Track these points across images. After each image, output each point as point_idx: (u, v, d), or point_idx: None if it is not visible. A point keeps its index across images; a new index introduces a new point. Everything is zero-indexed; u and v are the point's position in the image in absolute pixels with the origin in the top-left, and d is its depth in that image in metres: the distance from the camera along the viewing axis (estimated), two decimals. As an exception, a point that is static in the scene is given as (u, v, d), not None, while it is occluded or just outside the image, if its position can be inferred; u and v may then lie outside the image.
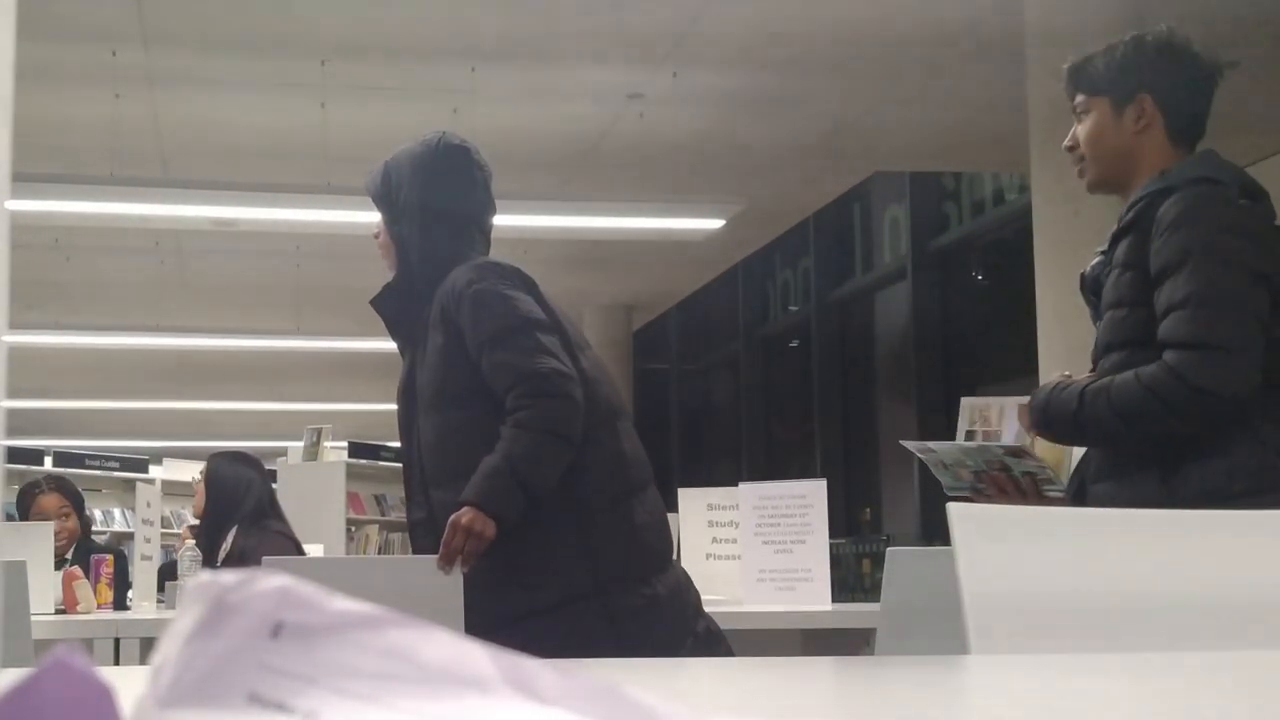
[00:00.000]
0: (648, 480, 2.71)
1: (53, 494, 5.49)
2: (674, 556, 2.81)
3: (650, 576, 2.62)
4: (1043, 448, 2.49)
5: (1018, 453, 2.47)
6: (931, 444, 2.60)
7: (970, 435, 2.59)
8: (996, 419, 2.56)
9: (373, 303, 2.83)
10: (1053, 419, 2.36)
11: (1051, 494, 2.46)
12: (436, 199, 2.75)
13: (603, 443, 2.63)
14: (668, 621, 2.63)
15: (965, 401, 2.63)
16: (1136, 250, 2.33)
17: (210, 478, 4.96)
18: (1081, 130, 2.46)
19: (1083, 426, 2.31)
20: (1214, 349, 2.20)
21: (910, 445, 2.66)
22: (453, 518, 2.54)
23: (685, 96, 7.35)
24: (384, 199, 2.80)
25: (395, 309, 2.80)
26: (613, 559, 2.59)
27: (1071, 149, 2.49)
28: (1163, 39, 2.45)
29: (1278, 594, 1.36)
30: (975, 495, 2.52)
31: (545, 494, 2.54)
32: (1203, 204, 2.30)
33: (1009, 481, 2.46)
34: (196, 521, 5.01)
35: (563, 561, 2.56)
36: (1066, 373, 2.44)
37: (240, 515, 4.90)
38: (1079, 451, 2.47)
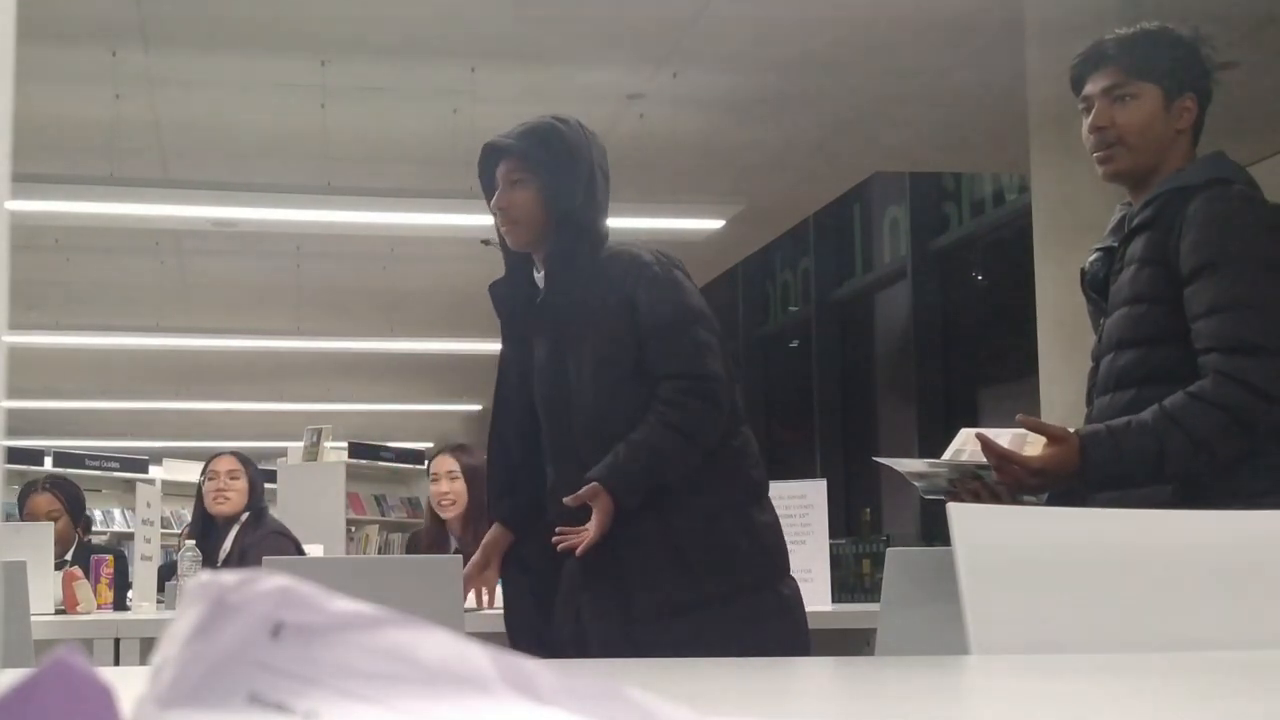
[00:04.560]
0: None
1: (45, 494, 5.50)
2: None
3: (789, 571, 2.69)
4: None
5: (987, 468, 2.43)
6: (903, 460, 2.57)
7: (958, 454, 2.56)
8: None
9: (493, 288, 2.74)
10: (1125, 471, 2.22)
11: (1027, 499, 2.44)
12: (598, 184, 2.70)
13: (749, 438, 2.68)
14: (805, 616, 2.69)
15: (964, 431, 2.60)
16: (1157, 247, 2.30)
17: (251, 470, 5.07)
18: (1124, 114, 2.36)
19: (1163, 465, 2.20)
20: (1269, 352, 2.17)
21: (884, 461, 2.63)
22: (601, 512, 2.51)
23: (685, 96, 7.35)
24: (551, 173, 2.65)
25: (550, 288, 2.67)
26: (775, 548, 2.64)
27: (1103, 129, 2.38)
28: (1194, 40, 2.42)
29: (1277, 593, 1.36)
30: (950, 500, 2.48)
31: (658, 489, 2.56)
32: (1238, 204, 2.27)
33: (984, 487, 2.43)
34: (231, 512, 5.02)
35: (734, 550, 2.58)
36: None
37: (256, 513, 5.01)
38: None
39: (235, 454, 5.13)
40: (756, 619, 2.56)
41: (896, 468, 2.55)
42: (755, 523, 2.61)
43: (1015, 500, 2.40)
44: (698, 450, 2.56)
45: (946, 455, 2.51)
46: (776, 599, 2.61)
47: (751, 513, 2.62)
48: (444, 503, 4.65)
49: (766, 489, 2.69)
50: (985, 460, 2.37)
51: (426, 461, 4.90)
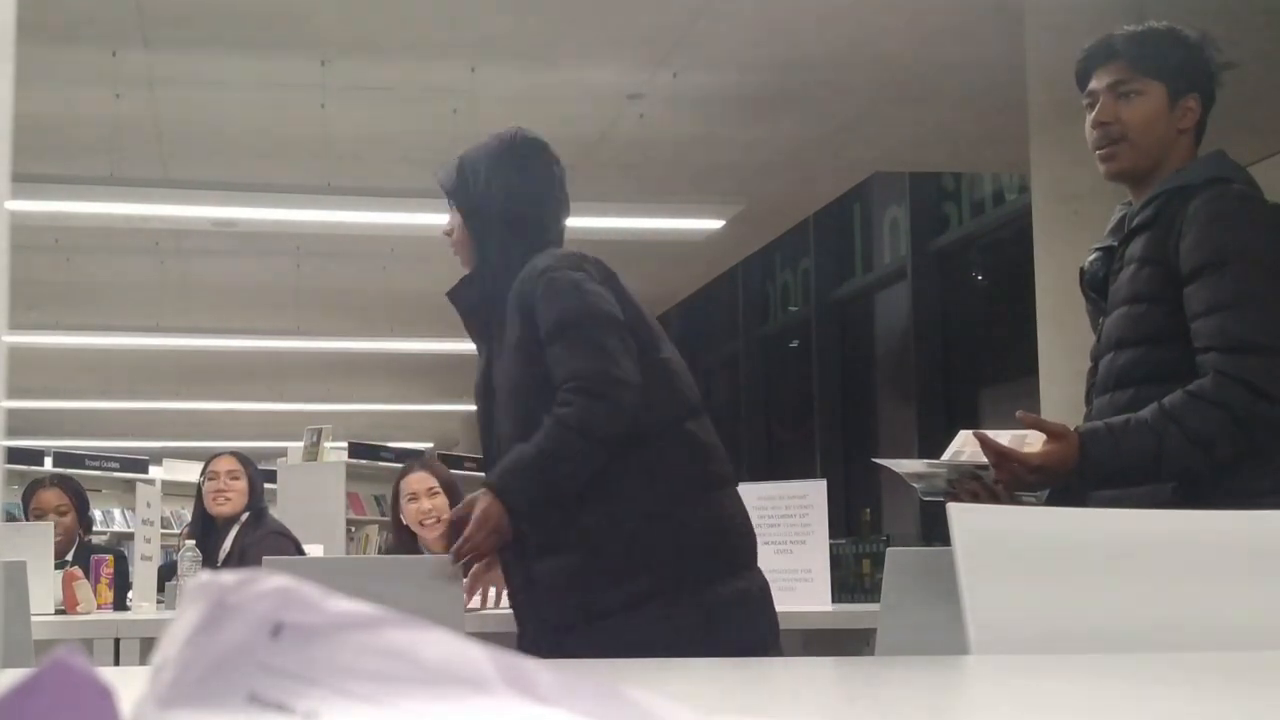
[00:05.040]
0: (730, 477, 2.66)
1: (53, 489, 5.50)
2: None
3: (740, 570, 2.59)
4: None
5: (986, 468, 2.43)
6: (902, 461, 2.56)
7: (957, 455, 2.54)
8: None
9: (450, 295, 2.79)
10: (1123, 468, 2.22)
11: (1026, 499, 2.43)
12: (516, 194, 2.71)
13: (692, 434, 2.60)
14: (758, 619, 2.58)
15: (963, 433, 2.58)
16: (1157, 247, 2.30)
17: (251, 470, 5.05)
18: (1129, 110, 2.36)
19: (1161, 463, 2.19)
20: (1269, 351, 2.17)
21: (883, 462, 2.61)
22: (477, 510, 2.53)
23: (685, 97, 7.35)
24: (460, 194, 2.75)
25: (473, 303, 2.75)
26: (702, 551, 2.54)
27: (1107, 124, 2.37)
28: (1202, 41, 2.42)
29: (1278, 594, 1.36)
30: (949, 500, 2.47)
31: (568, 496, 2.52)
32: (1238, 204, 2.27)
33: (983, 488, 2.43)
34: (231, 513, 5.01)
35: (650, 554, 2.51)
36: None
37: (256, 513, 5.01)
38: None
39: (235, 454, 5.13)
40: (679, 622, 2.46)
41: (895, 469, 2.54)
42: (690, 519, 2.53)
43: (1015, 500, 2.40)
44: (597, 447, 2.49)
45: (945, 456, 2.50)
46: (707, 600, 2.50)
47: (687, 510, 2.54)
48: (426, 521, 4.48)
49: (719, 483, 2.60)
50: (984, 460, 2.37)
51: (397, 481, 4.67)
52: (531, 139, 2.77)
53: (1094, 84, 2.41)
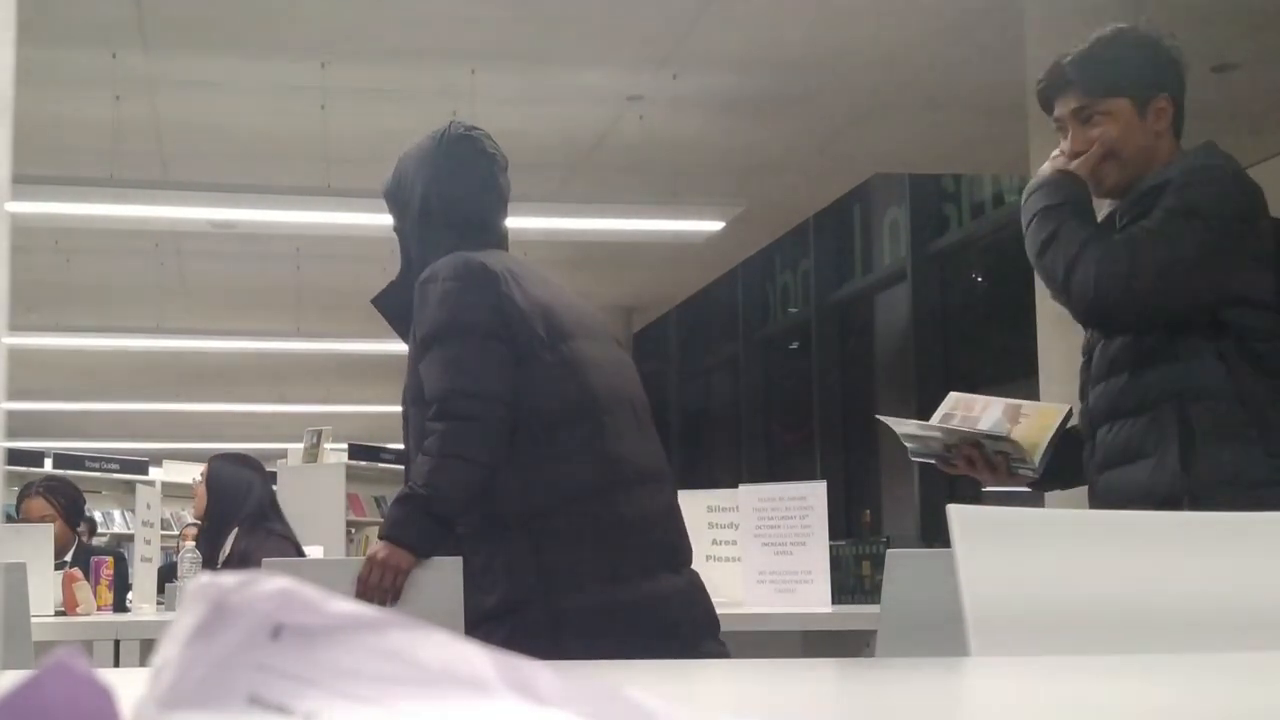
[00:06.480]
0: (644, 476, 2.55)
1: (38, 499, 5.50)
2: (687, 562, 2.63)
3: (636, 577, 2.48)
4: (1019, 433, 2.45)
5: (992, 438, 2.44)
6: (903, 421, 2.56)
7: (947, 419, 2.55)
8: (980, 409, 2.52)
9: (374, 300, 2.75)
10: (1027, 220, 2.40)
11: (1022, 471, 2.43)
12: (438, 196, 2.65)
13: (578, 435, 2.49)
14: (653, 627, 2.46)
15: (953, 395, 2.59)
16: None
17: (211, 479, 4.96)
18: (1101, 134, 2.36)
19: (1038, 246, 2.35)
20: (1188, 263, 2.23)
21: (884, 419, 2.61)
22: (369, 555, 2.55)
23: (685, 98, 7.35)
24: (393, 196, 2.73)
25: (395, 309, 2.71)
26: (577, 557, 2.44)
27: (1083, 152, 2.38)
28: (1154, 35, 2.43)
29: (1277, 594, 1.36)
30: (941, 465, 2.48)
31: (457, 517, 2.49)
32: (1204, 171, 2.31)
33: (981, 457, 2.43)
34: (197, 522, 5.01)
35: (512, 561, 2.44)
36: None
37: (241, 517, 4.91)
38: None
39: (209, 462, 5.09)
40: (525, 637, 2.36)
41: (895, 428, 2.56)
42: (547, 530, 2.44)
43: (1012, 473, 2.42)
44: (472, 468, 2.44)
45: (935, 418, 2.53)
46: (553, 615, 2.40)
47: (562, 516, 2.45)
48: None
49: (639, 480, 2.51)
50: (980, 429, 2.40)
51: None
52: (462, 133, 2.69)
53: (1058, 111, 2.43)
